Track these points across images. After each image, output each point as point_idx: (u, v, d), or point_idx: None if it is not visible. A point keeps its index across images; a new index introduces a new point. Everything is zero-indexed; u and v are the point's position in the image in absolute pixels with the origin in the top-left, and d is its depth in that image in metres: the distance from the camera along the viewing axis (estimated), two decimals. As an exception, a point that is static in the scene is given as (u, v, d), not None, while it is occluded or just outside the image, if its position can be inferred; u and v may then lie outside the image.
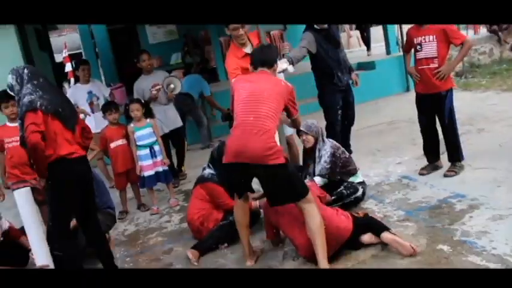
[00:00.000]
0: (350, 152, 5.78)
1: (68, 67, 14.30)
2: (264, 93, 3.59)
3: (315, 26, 5.44)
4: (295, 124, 4.12)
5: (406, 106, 6.77)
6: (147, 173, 5.65)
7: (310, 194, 3.58)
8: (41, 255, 4.03)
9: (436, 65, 4.85)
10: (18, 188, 4.39)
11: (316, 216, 3.52)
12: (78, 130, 3.83)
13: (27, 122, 3.45)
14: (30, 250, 4.40)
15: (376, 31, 12.23)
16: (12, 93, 3.83)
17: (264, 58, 3.85)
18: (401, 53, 9.67)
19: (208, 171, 4.75)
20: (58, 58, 15.17)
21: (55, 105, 3.61)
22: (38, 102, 3.52)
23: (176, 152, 6.75)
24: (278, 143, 3.62)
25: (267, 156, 3.41)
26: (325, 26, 5.44)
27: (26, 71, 3.69)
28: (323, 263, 3.51)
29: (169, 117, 6.43)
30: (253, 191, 3.89)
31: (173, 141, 6.60)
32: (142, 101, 5.89)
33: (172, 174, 6.23)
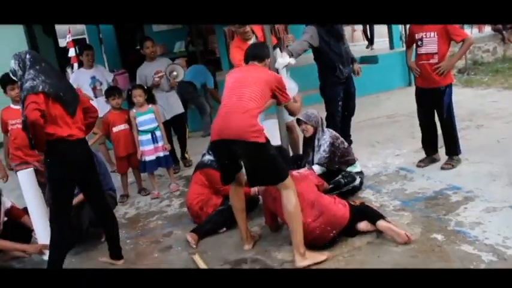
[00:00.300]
0: (350, 142, 5.85)
1: (72, 52, 14.33)
2: (248, 79, 3.76)
3: None
4: (290, 111, 4.21)
5: (407, 100, 6.84)
6: (148, 157, 5.72)
7: (290, 180, 3.66)
8: (44, 235, 4.11)
9: (436, 61, 4.91)
10: (21, 169, 4.50)
11: (293, 200, 3.60)
12: (80, 110, 3.86)
13: (27, 102, 3.50)
14: (32, 230, 4.50)
15: (380, 26, 12.27)
16: (15, 78, 3.88)
17: (254, 53, 4.03)
18: (404, 48, 9.70)
19: (208, 157, 4.82)
20: (62, 43, 15.19)
21: (57, 89, 3.65)
22: (40, 87, 3.55)
23: (178, 139, 6.82)
24: (262, 127, 3.70)
25: (247, 132, 3.52)
26: None
27: (28, 56, 3.71)
28: (299, 248, 3.60)
29: (171, 104, 6.49)
30: (233, 178, 3.94)
31: (175, 127, 6.67)
32: (145, 87, 5.96)
33: (173, 160, 6.31)
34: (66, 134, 3.68)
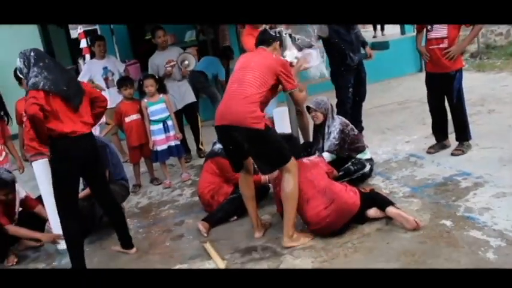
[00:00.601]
0: (362, 128, 5.88)
1: (83, 43, 14.39)
2: (250, 64, 3.78)
3: None
4: (294, 101, 4.13)
5: (418, 86, 6.79)
6: (160, 147, 5.77)
7: (292, 164, 3.73)
8: (58, 225, 4.18)
9: (446, 45, 4.88)
10: (36, 160, 4.58)
11: (292, 183, 3.71)
12: (87, 103, 3.89)
13: (28, 97, 3.59)
14: (46, 220, 4.59)
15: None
16: (21, 76, 3.94)
17: (262, 38, 4.05)
18: (415, 33, 9.63)
19: (218, 146, 4.84)
20: (74, 34, 15.27)
21: (59, 84, 3.69)
22: (42, 83, 3.61)
23: (191, 128, 6.86)
24: (265, 114, 3.78)
25: (246, 118, 3.58)
26: None
27: (32, 53, 3.76)
28: (288, 230, 3.77)
29: (183, 93, 6.53)
30: (241, 164, 3.99)
31: (187, 116, 6.72)
32: (156, 77, 6.00)
33: (184, 150, 6.36)
34: (69, 130, 3.72)
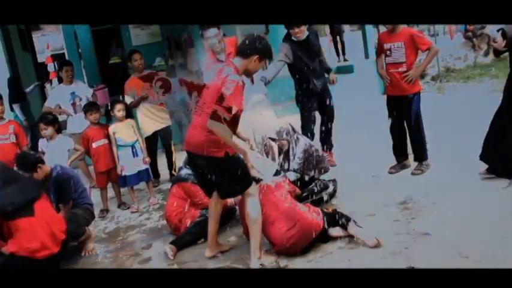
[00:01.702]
0: (331, 145, 6.01)
1: (51, 67, 14.32)
2: (205, 92, 3.82)
3: (292, 37, 5.64)
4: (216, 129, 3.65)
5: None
6: (129, 172, 5.80)
7: (252, 189, 3.84)
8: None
9: (405, 69, 5.10)
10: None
11: (255, 207, 3.83)
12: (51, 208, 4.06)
13: None
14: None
15: (356, 34, 12.52)
16: None
17: (240, 48, 3.81)
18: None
19: (185, 171, 4.92)
20: (41, 58, 15.19)
21: (4, 203, 3.73)
22: None
23: (165, 152, 6.83)
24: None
25: (204, 147, 3.69)
26: (303, 37, 5.63)
27: None
28: (255, 252, 3.86)
29: (159, 116, 6.58)
30: (212, 187, 4.06)
31: (163, 140, 6.74)
32: (133, 99, 6.14)
33: (153, 174, 6.37)
34: (29, 247, 3.80)
